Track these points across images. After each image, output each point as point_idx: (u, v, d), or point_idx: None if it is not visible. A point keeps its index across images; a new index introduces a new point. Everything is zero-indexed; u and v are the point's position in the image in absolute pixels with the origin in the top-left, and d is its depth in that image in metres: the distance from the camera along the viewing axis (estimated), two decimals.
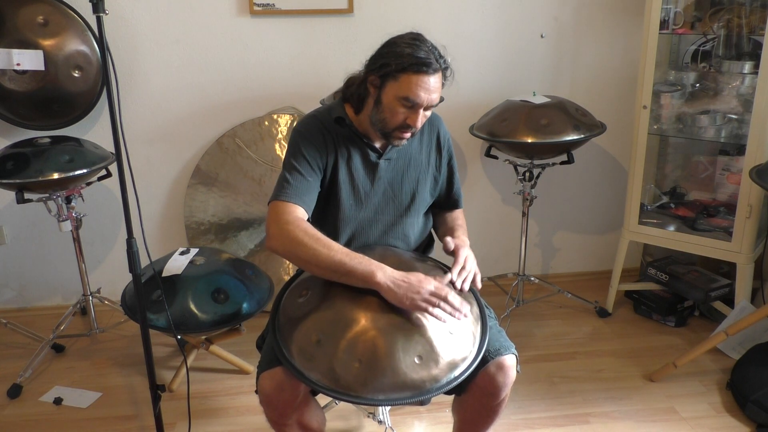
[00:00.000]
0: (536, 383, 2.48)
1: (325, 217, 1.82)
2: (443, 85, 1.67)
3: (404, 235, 1.86)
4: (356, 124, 1.76)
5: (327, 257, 1.51)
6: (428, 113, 1.68)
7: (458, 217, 1.96)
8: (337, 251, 1.52)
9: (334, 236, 1.82)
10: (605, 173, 3.22)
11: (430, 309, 1.47)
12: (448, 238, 1.75)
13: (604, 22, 2.96)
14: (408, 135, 1.68)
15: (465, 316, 1.51)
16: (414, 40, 1.62)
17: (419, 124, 1.65)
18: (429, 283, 1.49)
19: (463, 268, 1.66)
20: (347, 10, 2.80)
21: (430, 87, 1.60)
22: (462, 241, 1.78)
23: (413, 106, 1.61)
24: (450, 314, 1.49)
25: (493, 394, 1.59)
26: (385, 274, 1.49)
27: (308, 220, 1.67)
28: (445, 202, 1.96)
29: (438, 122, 1.87)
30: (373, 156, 1.77)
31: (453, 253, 1.70)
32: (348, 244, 1.80)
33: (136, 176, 1.88)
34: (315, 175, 1.69)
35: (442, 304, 1.48)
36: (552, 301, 3.10)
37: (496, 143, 2.66)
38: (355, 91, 1.72)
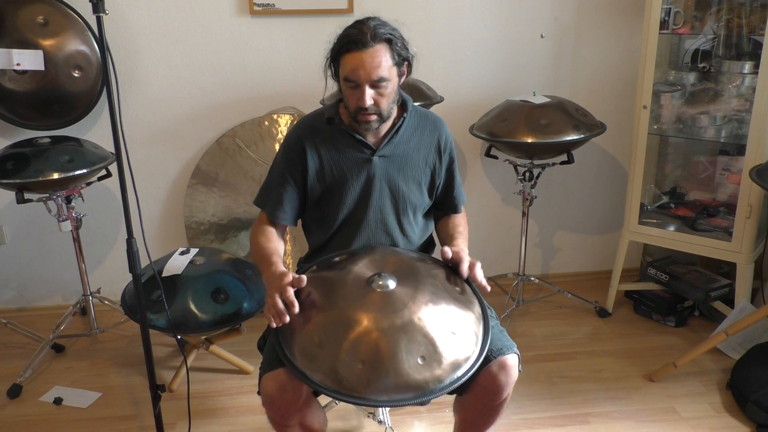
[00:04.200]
0: (536, 383, 2.48)
1: (323, 216, 1.83)
2: (400, 62, 1.66)
3: (404, 234, 1.86)
4: (347, 121, 1.78)
5: (252, 254, 1.77)
6: (383, 90, 1.65)
7: (459, 224, 1.92)
8: (258, 252, 1.73)
9: (333, 235, 1.84)
10: (605, 173, 3.22)
11: (266, 313, 1.52)
12: (446, 248, 1.69)
13: (604, 22, 2.96)
14: (371, 117, 1.68)
15: (283, 321, 1.49)
16: (354, 22, 1.65)
17: (368, 102, 1.63)
18: (274, 291, 1.52)
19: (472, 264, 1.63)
20: (347, 10, 2.80)
21: (365, 63, 1.60)
22: (460, 248, 1.72)
23: (356, 86, 1.63)
24: (272, 317, 1.49)
25: (495, 394, 1.59)
26: (267, 276, 1.61)
27: (282, 223, 1.83)
28: (444, 204, 1.95)
29: (441, 125, 1.87)
30: (365, 153, 1.78)
31: (454, 259, 1.65)
32: (349, 242, 1.82)
33: (136, 176, 1.88)
34: (289, 185, 1.79)
35: (271, 310, 1.50)
36: (552, 301, 3.10)
37: (496, 143, 2.66)
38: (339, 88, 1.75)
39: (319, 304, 1.51)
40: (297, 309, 1.47)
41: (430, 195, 1.89)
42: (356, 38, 1.60)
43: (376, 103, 1.65)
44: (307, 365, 1.43)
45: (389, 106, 1.70)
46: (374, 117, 1.68)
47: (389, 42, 1.62)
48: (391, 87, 1.67)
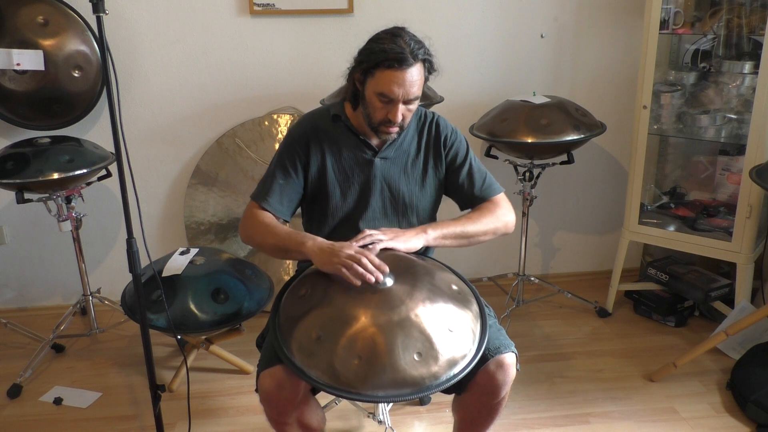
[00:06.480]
0: (536, 383, 2.47)
1: (322, 214, 1.83)
2: (427, 77, 1.69)
3: None
4: (353, 121, 1.78)
5: (271, 241, 1.68)
6: (412, 106, 1.68)
7: (470, 213, 1.83)
8: (278, 234, 1.67)
9: (331, 233, 1.84)
10: (605, 173, 3.22)
11: (344, 270, 1.50)
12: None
13: (604, 23, 2.96)
14: (394, 129, 1.70)
15: (378, 280, 1.49)
16: (391, 35, 1.64)
17: (399, 118, 1.66)
18: (349, 248, 1.54)
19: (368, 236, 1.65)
20: (347, 10, 2.80)
21: (405, 81, 1.61)
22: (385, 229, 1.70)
23: (390, 101, 1.64)
24: (361, 276, 1.48)
25: (493, 393, 1.60)
26: (314, 242, 1.60)
27: (281, 217, 1.77)
28: (472, 200, 1.87)
29: (439, 122, 1.86)
30: (367, 153, 1.78)
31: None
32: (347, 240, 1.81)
33: (136, 176, 1.88)
34: (291, 178, 1.77)
35: (356, 265, 1.49)
36: (552, 301, 3.10)
37: (496, 143, 2.66)
38: (349, 88, 1.75)
39: (316, 300, 1.52)
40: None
41: (438, 194, 1.89)
42: (398, 56, 1.59)
43: (403, 118, 1.68)
44: (304, 361, 1.43)
45: (411, 119, 1.74)
46: (396, 129, 1.71)
47: (423, 62, 1.65)
48: (418, 101, 1.71)
